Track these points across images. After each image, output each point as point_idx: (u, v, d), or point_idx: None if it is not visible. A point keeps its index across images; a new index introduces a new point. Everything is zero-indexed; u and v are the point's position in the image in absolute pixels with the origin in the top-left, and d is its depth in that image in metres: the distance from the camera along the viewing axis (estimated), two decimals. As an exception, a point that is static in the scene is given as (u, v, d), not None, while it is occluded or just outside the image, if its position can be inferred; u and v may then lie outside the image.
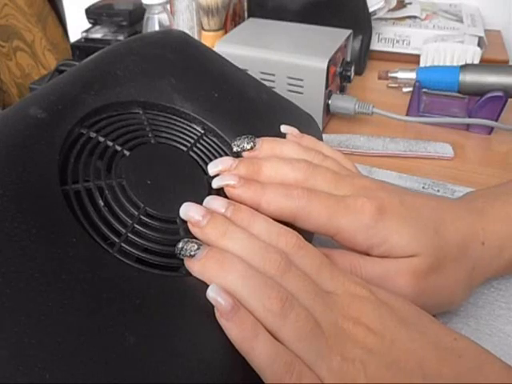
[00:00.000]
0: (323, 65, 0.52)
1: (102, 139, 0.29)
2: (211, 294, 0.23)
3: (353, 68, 0.60)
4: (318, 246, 0.28)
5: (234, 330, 0.23)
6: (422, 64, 0.70)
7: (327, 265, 0.26)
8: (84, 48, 0.74)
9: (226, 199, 0.28)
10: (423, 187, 0.47)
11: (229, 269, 0.24)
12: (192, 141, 0.33)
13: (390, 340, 0.23)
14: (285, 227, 0.27)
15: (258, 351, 0.22)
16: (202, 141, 0.33)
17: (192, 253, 0.25)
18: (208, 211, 0.27)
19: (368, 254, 0.30)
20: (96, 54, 0.34)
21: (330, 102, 0.56)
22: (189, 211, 0.27)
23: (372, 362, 0.22)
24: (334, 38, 0.58)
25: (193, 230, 0.26)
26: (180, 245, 0.26)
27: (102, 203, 0.26)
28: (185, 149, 0.32)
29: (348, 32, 0.60)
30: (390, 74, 0.62)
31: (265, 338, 0.22)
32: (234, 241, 0.26)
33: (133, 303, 0.22)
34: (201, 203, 0.27)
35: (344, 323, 0.23)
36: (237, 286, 0.24)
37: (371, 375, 0.22)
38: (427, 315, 0.25)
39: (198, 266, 0.25)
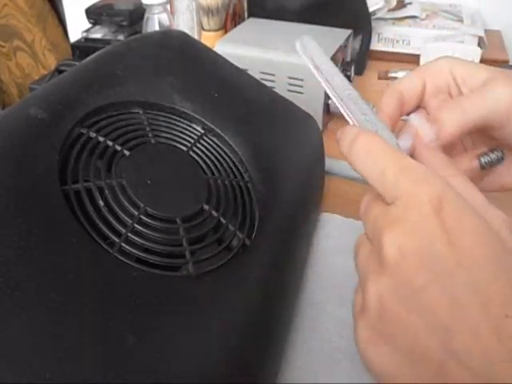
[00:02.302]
0: (323, 65, 0.52)
1: (101, 139, 0.29)
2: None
3: (353, 68, 0.60)
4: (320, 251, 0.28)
5: None
6: (422, 64, 0.70)
7: None
8: (84, 48, 0.74)
9: None
10: (423, 187, 0.47)
11: None
12: (192, 141, 0.33)
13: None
14: None
15: None
16: (202, 141, 0.33)
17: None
18: None
19: None
20: (96, 53, 0.34)
21: (330, 101, 0.56)
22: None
23: None
24: (334, 37, 0.58)
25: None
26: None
27: (101, 203, 0.26)
28: (185, 149, 0.32)
29: (348, 32, 0.60)
30: (390, 74, 0.62)
31: None
32: None
33: (133, 303, 0.22)
34: (201, 203, 0.27)
35: None
36: None
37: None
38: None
39: None
